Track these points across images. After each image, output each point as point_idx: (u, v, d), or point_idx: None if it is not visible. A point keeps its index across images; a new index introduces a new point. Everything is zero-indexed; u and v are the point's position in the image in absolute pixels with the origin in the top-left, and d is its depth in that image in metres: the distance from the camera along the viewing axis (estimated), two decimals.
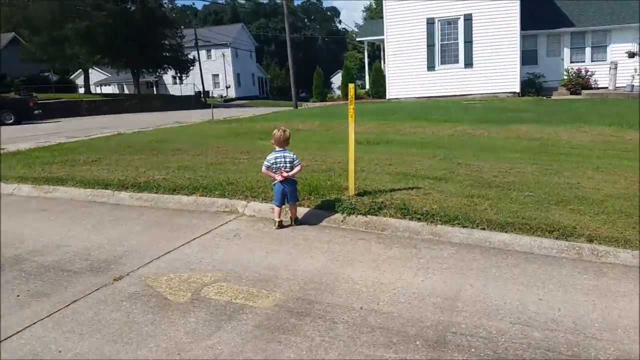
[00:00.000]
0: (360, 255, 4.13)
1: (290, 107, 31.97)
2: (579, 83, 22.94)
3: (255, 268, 3.89)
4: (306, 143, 9.86)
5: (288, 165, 4.79)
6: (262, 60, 71.04)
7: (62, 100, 30.74)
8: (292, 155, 4.82)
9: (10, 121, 21.98)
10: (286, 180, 4.77)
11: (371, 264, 3.93)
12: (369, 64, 32.33)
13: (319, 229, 4.81)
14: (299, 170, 4.86)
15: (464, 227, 4.46)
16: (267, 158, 4.83)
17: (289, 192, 4.83)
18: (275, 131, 4.86)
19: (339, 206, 5.07)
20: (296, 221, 4.96)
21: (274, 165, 4.80)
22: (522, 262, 3.92)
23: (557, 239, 4.16)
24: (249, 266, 3.93)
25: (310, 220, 5.04)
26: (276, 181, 4.81)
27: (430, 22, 22.91)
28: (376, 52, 44.41)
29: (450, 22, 22.74)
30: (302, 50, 70.45)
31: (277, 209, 4.89)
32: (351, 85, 4.96)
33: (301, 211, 5.14)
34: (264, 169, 4.83)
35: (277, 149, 4.84)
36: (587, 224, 4.34)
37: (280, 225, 4.86)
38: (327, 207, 5.13)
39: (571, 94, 22.90)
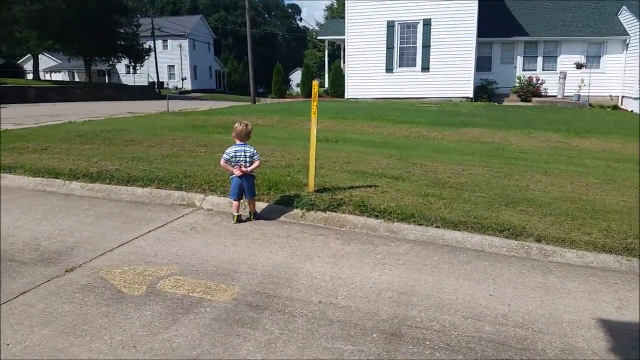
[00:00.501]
0: (319, 250, 4.17)
1: (248, 102, 31.70)
2: (530, 91, 23.92)
3: (213, 262, 3.87)
4: (265, 138, 9.83)
5: (247, 159, 4.78)
6: (220, 53, 70.03)
7: (8, 85, 29.22)
8: (252, 150, 4.81)
9: None
10: (244, 175, 4.76)
11: (330, 260, 3.98)
12: (329, 62, 32.50)
13: (277, 224, 4.83)
14: (258, 165, 4.86)
15: (419, 224, 4.58)
16: (227, 151, 4.80)
17: (247, 187, 4.82)
18: (237, 124, 4.84)
19: (299, 202, 5.10)
20: (255, 216, 4.95)
21: (234, 159, 4.78)
22: (474, 260, 4.07)
23: (507, 238, 4.35)
24: (207, 260, 3.90)
25: (269, 215, 5.05)
26: (234, 175, 4.79)
27: (390, 25, 23.29)
28: (336, 51, 44.65)
29: (410, 26, 23.20)
30: (261, 46, 69.98)
31: (235, 203, 4.87)
32: (315, 82, 5.00)
33: (260, 206, 5.13)
34: (222, 161, 4.80)
35: (238, 142, 4.82)
36: (536, 225, 4.56)
37: (239, 220, 4.85)
38: (287, 203, 5.15)
39: (522, 100, 23.85)
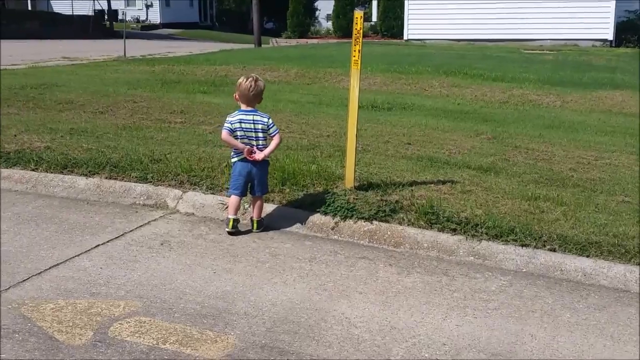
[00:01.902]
0: (362, 282, 4.18)
1: (250, 44, 31.93)
2: None
3: (195, 296, 3.92)
4: (277, 103, 9.90)
5: (260, 134, 4.83)
6: None
7: None
8: (266, 119, 4.87)
9: None
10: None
11: (378, 298, 3.99)
12: None
13: (295, 239, 4.86)
14: (278, 144, 4.90)
15: (523, 245, 4.55)
16: (229, 119, 4.88)
17: (258, 178, 4.89)
18: (242, 80, 4.89)
19: (329, 205, 5.12)
20: (259, 225, 5.01)
21: (239, 132, 4.83)
22: (613, 304, 4.02)
23: None
24: (186, 292, 3.96)
25: (282, 224, 5.08)
26: (236, 158, 4.88)
27: None
28: None
29: None
30: None
31: (234, 199, 4.94)
32: (359, 13, 5.00)
33: (268, 209, 5.17)
34: (224, 133, 4.86)
35: (244, 107, 4.88)
36: None
37: (235, 229, 4.91)
38: (310, 206, 5.17)
39: None
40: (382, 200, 5.13)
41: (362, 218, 4.98)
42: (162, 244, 4.71)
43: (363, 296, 4.01)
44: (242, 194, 4.94)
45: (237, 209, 4.97)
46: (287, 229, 5.06)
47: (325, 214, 5.09)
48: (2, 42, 28.02)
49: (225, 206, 5.28)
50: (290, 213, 5.18)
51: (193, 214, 5.35)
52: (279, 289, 4.06)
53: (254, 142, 4.85)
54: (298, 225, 5.08)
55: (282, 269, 4.36)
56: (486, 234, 4.69)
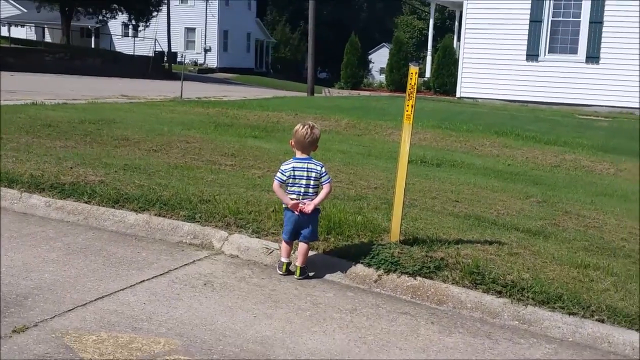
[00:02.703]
0: (402, 338, 4.13)
1: (303, 92, 32.31)
2: None
3: (234, 339, 3.92)
4: (327, 152, 9.95)
5: (312, 182, 4.88)
6: (265, 14, 71.98)
7: None
8: (319, 167, 4.91)
9: None
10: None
11: (418, 355, 3.94)
12: (434, 39, 32.73)
13: (337, 290, 4.85)
14: (328, 193, 4.94)
15: (570, 313, 4.45)
16: (282, 168, 4.93)
17: (305, 226, 4.93)
18: (299, 126, 4.95)
19: (373, 257, 5.10)
20: (302, 272, 5.01)
21: (291, 180, 4.89)
22: None
23: None
24: (226, 335, 3.96)
25: (324, 273, 5.08)
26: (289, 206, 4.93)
27: None
28: (447, 22, 44.95)
29: None
30: (329, 5, 71.29)
31: (285, 246, 5.01)
32: (414, 69, 5.03)
33: (312, 257, 5.18)
34: (276, 184, 4.95)
35: (299, 155, 4.93)
36: None
37: (287, 272, 4.99)
38: (354, 257, 5.16)
39: None
40: (426, 256, 5.09)
41: (406, 273, 4.94)
42: (205, 284, 4.73)
43: (403, 352, 3.96)
44: (290, 239, 4.99)
45: (289, 253, 5.02)
46: (330, 278, 5.05)
47: (369, 265, 5.07)
48: (68, 77, 28.90)
49: (270, 251, 5.32)
50: (334, 262, 5.17)
51: (237, 256, 5.38)
52: (318, 339, 4.04)
53: (303, 190, 4.88)
54: (341, 275, 5.06)
55: (322, 318, 4.34)
56: (532, 298, 4.61)
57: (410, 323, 4.39)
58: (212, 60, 58.42)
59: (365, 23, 78.23)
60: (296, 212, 4.88)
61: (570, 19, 23.06)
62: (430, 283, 4.85)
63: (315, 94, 30.39)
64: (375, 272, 5.01)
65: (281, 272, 5.01)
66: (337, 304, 4.59)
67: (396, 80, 32.55)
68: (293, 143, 4.95)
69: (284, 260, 5.01)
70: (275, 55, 70.17)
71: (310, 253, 5.20)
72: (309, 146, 4.92)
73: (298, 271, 5.00)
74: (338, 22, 70.04)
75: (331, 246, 5.36)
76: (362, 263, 5.11)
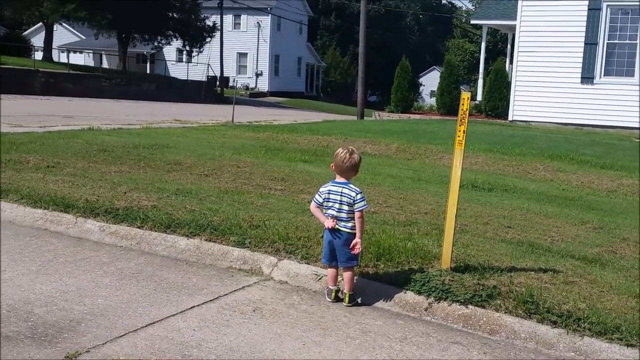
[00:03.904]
0: None
1: (353, 115, 32.38)
2: None
3: None
4: (376, 176, 9.91)
5: (345, 206, 4.84)
6: (316, 38, 72.59)
7: (7, 66, 32.26)
8: (354, 194, 4.86)
9: None
10: (336, 230, 4.86)
11: None
12: (486, 62, 32.50)
13: (387, 317, 4.78)
14: (360, 219, 4.87)
15: (628, 345, 4.30)
16: (320, 190, 4.95)
17: (338, 248, 4.88)
18: (339, 150, 4.94)
19: (424, 285, 5.03)
20: (350, 299, 4.95)
21: (326, 202, 4.89)
22: None
23: None
24: None
25: (374, 300, 5.01)
26: (326, 227, 4.92)
27: (594, 8, 22.82)
28: (499, 45, 44.69)
29: (627, 11, 22.57)
30: (379, 28, 71.51)
31: (330, 271, 4.99)
32: (466, 95, 4.98)
33: (361, 284, 5.12)
34: (313, 205, 4.97)
35: (338, 178, 4.92)
36: None
37: (337, 300, 4.95)
38: (404, 284, 5.09)
39: None
40: (479, 284, 4.99)
41: (457, 301, 4.85)
42: (254, 311, 4.72)
43: None
44: (329, 262, 4.95)
45: (335, 278, 4.98)
46: (380, 305, 4.99)
47: (419, 293, 4.99)
48: (124, 102, 29.50)
49: (319, 277, 5.28)
50: (384, 290, 5.10)
51: (287, 282, 5.35)
52: None
53: (336, 214, 4.84)
54: (390, 302, 4.99)
55: (372, 347, 4.27)
56: (589, 329, 4.46)
57: (462, 353, 4.29)
58: (264, 85, 59.06)
59: (416, 46, 78.19)
60: (327, 227, 4.85)
61: (627, 41, 22.65)
62: (482, 312, 4.75)
63: (365, 118, 30.41)
64: (425, 300, 4.93)
65: (330, 299, 4.97)
66: (387, 332, 4.52)
67: (447, 104, 32.34)
68: (333, 167, 4.94)
69: (331, 287, 4.97)
70: (325, 79, 70.60)
71: (359, 279, 5.15)
72: (348, 171, 4.89)
73: (347, 298, 4.95)
74: (388, 46, 70.18)
75: (381, 272, 5.30)
76: (412, 290, 5.04)
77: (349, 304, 4.93)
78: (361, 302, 5.00)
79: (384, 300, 5.02)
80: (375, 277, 5.27)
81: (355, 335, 4.44)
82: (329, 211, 4.90)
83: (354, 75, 56.01)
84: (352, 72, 65.40)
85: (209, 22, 48.08)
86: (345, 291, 4.97)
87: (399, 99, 35.17)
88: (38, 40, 49.72)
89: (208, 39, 47.96)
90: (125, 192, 7.24)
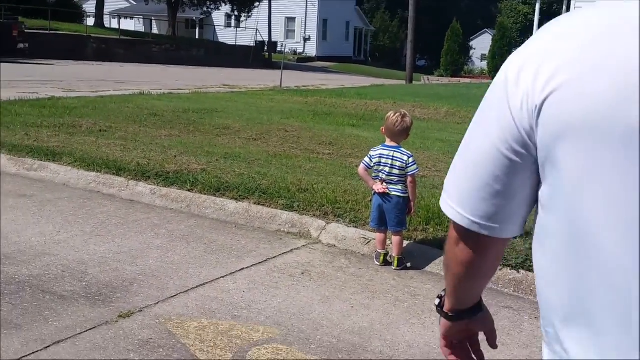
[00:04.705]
0: (504, 334, 3.99)
1: (402, 80, 32.04)
2: None
3: (332, 329, 3.89)
4: (425, 141, 9.81)
5: (396, 170, 4.79)
6: (364, 1, 71.73)
7: (60, 32, 32.70)
8: (406, 156, 4.81)
9: None
10: (387, 194, 4.83)
11: (521, 352, 3.80)
12: (540, 24, 31.61)
13: (437, 281, 4.75)
14: (412, 184, 4.83)
15: None
16: (370, 153, 4.93)
17: (389, 213, 4.85)
18: (390, 114, 4.90)
19: None
20: (400, 263, 4.93)
21: (376, 166, 4.85)
22: None
23: None
24: (323, 325, 3.94)
25: (423, 264, 4.99)
26: (375, 191, 4.90)
27: None
28: (554, 6, 43.51)
29: None
30: None
31: (379, 235, 4.97)
32: None
33: (410, 248, 5.09)
34: (361, 168, 4.95)
35: (388, 142, 4.87)
36: None
37: (385, 263, 4.94)
38: None
39: None
40: (530, 249, 4.91)
41: (508, 265, 4.78)
42: (303, 273, 4.73)
43: (505, 348, 3.82)
44: (378, 226, 4.93)
45: (383, 242, 4.95)
46: (429, 269, 4.95)
47: None
48: (173, 67, 29.71)
49: (367, 241, 5.26)
50: (433, 253, 5.06)
51: (335, 245, 5.35)
52: (416, 331, 3.96)
53: (387, 177, 4.82)
54: (440, 266, 4.95)
55: (420, 310, 4.25)
56: None
57: (512, 317, 4.24)
58: (311, 49, 58.70)
59: (468, 9, 76.64)
60: (377, 191, 4.83)
61: None
62: (533, 276, 4.68)
63: (414, 82, 30.07)
64: None
65: (378, 263, 4.95)
66: (436, 295, 4.49)
67: (498, 67, 31.60)
68: (384, 130, 4.90)
69: (379, 250, 4.96)
70: (374, 44, 69.87)
71: (408, 243, 5.12)
72: (399, 134, 4.84)
73: (395, 262, 4.93)
74: (438, 9, 68.97)
75: (430, 237, 5.26)
76: None
77: (398, 268, 4.91)
78: (410, 266, 4.97)
79: (433, 264, 4.98)
80: (424, 241, 5.24)
81: (404, 298, 4.43)
82: (380, 174, 4.86)
83: (403, 40, 55.28)
84: (401, 36, 64.56)
85: None
86: (393, 255, 4.94)
87: (448, 62, 34.78)
88: (90, 7, 50.21)
89: (256, 4, 47.86)
90: (175, 156, 7.31)
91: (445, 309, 1.50)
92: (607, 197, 1.03)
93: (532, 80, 1.11)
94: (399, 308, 4.27)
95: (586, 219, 1.05)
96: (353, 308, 4.22)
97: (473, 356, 1.56)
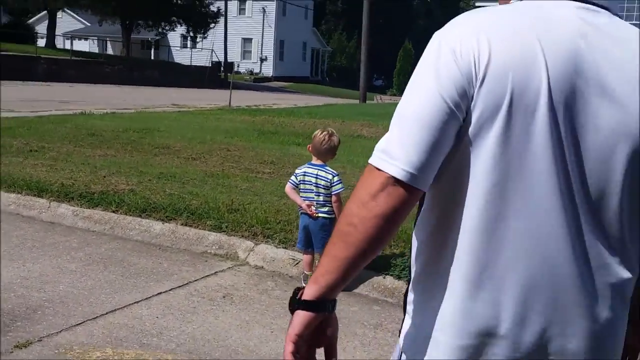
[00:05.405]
0: None
1: (356, 99, 32.11)
2: None
3: (247, 355, 3.70)
4: (368, 159, 9.68)
5: (321, 190, 4.64)
6: (321, 23, 72.14)
7: (10, 53, 32.12)
8: (331, 175, 4.65)
9: None
10: (312, 215, 4.69)
11: None
12: None
13: (363, 303, 4.61)
14: (337, 202, 4.66)
15: None
16: (296, 171, 4.80)
17: (314, 234, 4.69)
18: (317, 132, 4.77)
19: (404, 269, 4.84)
20: None
21: (302, 185, 4.73)
22: None
23: None
24: (238, 352, 3.74)
25: (352, 286, 4.81)
26: (301, 211, 4.76)
27: None
28: None
29: None
30: (386, 12, 70.79)
31: (306, 257, 4.81)
32: None
33: None
34: (288, 186, 4.81)
35: (314, 160, 4.73)
36: None
37: None
38: (384, 268, 4.91)
39: None
40: None
41: None
42: (224, 297, 4.52)
43: None
44: (304, 247, 4.76)
45: (310, 264, 4.78)
46: (357, 291, 4.79)
47: (399, 278, 4.80)
48: (125, 88, 29.36)
49: (296, 262, 5.09)
50: (363, 275, 4.89)
51: (262, 267, 5.16)
52: (340, 356, 3.77)
53: (312, 196, 4.67)
54: (368, 288, 4.79)
55: (343, 334, 4.05)
56: None
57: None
58: (268, 69, 58.64)
59: (422, 30, 77.44)
60: (304, 210, 4.69)
61: None
62: None
63: (367, 101, 30.15)
64: (405, 285, 4.72)
65: (305, 285, 4.75)
66: (362, 319, 4.33)
67: None
68: (310, 148, 4.75)
69: (307, 272, 4.77)
70: (331, 64, 70.12)
71: None
72: (325, 153, 4.70)
73: None
74: (392, 30, 69.56)
75: None
76: (391, 275, 4.85)
77: None
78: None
79: (362, 286, 4.82)
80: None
81: None
82: (304, 194, 4.72)
83: (360, 60, 55.60)
84: (358, 56, 64.72)
85: (214, 8, 47.82)
86: None
87: (401, 82, 34.97)
88: (43, 28, 49.49)
89: (212, 25, 47.70)
90: (104, 176, 7.06)
91: (309, 297, 1.40)
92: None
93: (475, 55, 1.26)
94: None
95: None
96: (272, 333, 4.02)
97: None
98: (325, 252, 1.40)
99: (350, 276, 1.39)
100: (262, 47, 59.24)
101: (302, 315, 1.40)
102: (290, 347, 1.40)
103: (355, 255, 1.35)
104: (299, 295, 1.42)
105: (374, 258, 1.39)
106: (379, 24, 58.31)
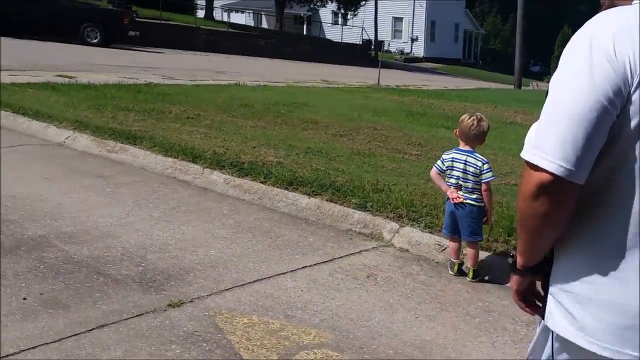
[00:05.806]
0: None
1: (510, 84, 31.18)
2: None
3: (390, 339, 3.65)
4: (521, 146, 9.34)
5: (470, 176, 4.51)
6: (475, 5, 70.43)
7: (171, 22, 33.64)
8: (481, 162, 4.50)
9: (96, 40, 24.44)
10: (460, 202, 4.56)
11: None
12: None
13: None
14: (487, 191, 4.51)
15: None
16: (443, 156, 4.70)
17: (461, 221, 4.57)
18: (465, 117, 4.63)
19: None
20: (475, 274, 4.63)
21: (449, 171, 4.62)
22: None
23: None
24: (381, 334, 3.70)
25: (503, 278, 4.63)
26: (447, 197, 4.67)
27: None
28: None
29: None
30: None
31: (452, 244, 4.71)
32: None
33: (489, 260, 4.77)
34: (433, 171, 4.74)
35: (462, 146, 4.59)
36: None
37: (460, 272, 4.66)
38: None
39: None
40: None
41: None
42: (368, 277, 4.50)
43: None
44: (450, 234, 4.64)
45: (456, 251, 4.67)
46: (509, 284, 4.61)
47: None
48: (276, 61, 30.02)
49: (442, 248, 4.97)
50: None
51: (407, 250, 5.08)
52: (484, 350, 3.66)
53: (461, 183, 4.54)
54: None
55: (492, 328, 3.94)
56: None
57: None
58: (419, 50, 58.06)
59: (584, 14, 73.95)
60: (451, 198, 4.57)
61: None
62: None
63: (522, 87, 29.21)
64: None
65: (452, 273, 4.67)
66: (513, 314, 4.15)
67: None
68: (457, 133, 4.61)
69: (453, 259, 4.67)
70: (484, 47, 68.50)
71: (487, 255, 4.80)
72: (474, 139, 4.55)
73: (470, 273, 4.63)
74: (552, 15, 66.86)
75: (512, 249, 4.91)
76: None
77: (474, 280, 4.61)
78: (488, 279, 4.65)
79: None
80: (505, 253, 4.89)
81: (475, 313, 4.12)
82: (451, 180, 4.61)
83: (515, 44, 53.85)
84: (513, 40, 62.86)
85: None
86: (469, 266, 4.64)
87: None
88: (202, 0, 51.51)
89: (363, 3, 47.75)
90: (254, 147, 7.23)
91: (518, 265, 1.73)
92: None
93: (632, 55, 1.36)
94: (468, 323, 3.97)
95: None
96: (417, 319, 3.96)
97: (538, 303, 1.80)
98: (518, 233, 1.69)
99: (541, 254, 1.66)
100: (412, 27, 58.67)
101: (515, 280, 1.78)
102: (515, 297, 1.83)
103: (537, 242, 1.63)
104: (513, 261, 1.75)
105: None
106: (536, 8, 56.20)
